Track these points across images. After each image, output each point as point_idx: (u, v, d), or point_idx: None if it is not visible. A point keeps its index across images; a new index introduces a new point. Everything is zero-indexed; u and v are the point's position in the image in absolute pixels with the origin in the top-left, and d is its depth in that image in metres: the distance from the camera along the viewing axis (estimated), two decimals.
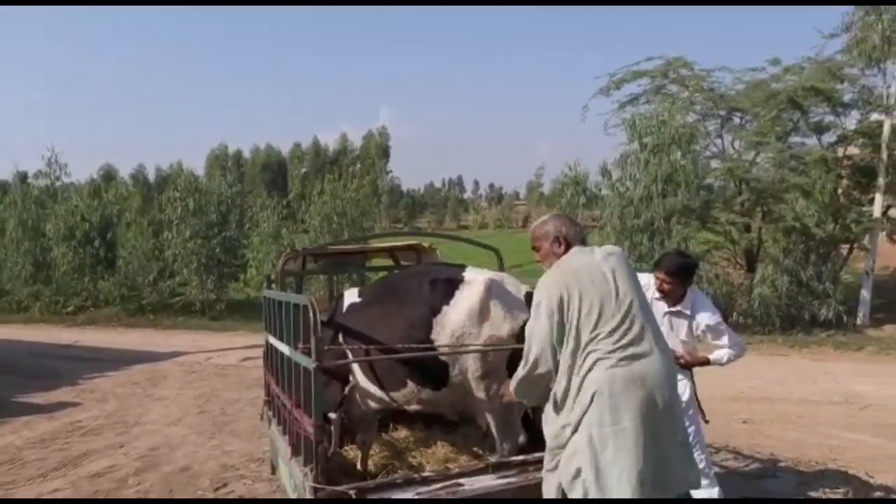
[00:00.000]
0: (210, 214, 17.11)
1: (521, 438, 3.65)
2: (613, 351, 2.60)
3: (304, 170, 56.98)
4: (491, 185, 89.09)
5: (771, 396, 8.12)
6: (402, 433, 4.76)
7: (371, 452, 4.25)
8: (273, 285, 4.30)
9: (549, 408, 2.77)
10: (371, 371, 3.62)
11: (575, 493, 2.62)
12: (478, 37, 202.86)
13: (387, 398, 3.68)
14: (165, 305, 17.53)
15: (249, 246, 16.79)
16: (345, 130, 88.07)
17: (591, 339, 2.64)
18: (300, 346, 3.13)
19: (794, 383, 9.06)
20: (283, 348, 3.58)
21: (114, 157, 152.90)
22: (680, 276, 3.83)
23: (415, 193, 77.84)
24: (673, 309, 3.90)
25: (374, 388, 3.66)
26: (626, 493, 2.48)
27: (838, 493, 4.48)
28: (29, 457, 6.11)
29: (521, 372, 2.82)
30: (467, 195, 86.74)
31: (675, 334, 3.87)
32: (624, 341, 2.62)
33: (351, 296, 3.87)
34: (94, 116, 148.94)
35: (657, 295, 3.93)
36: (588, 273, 2.77)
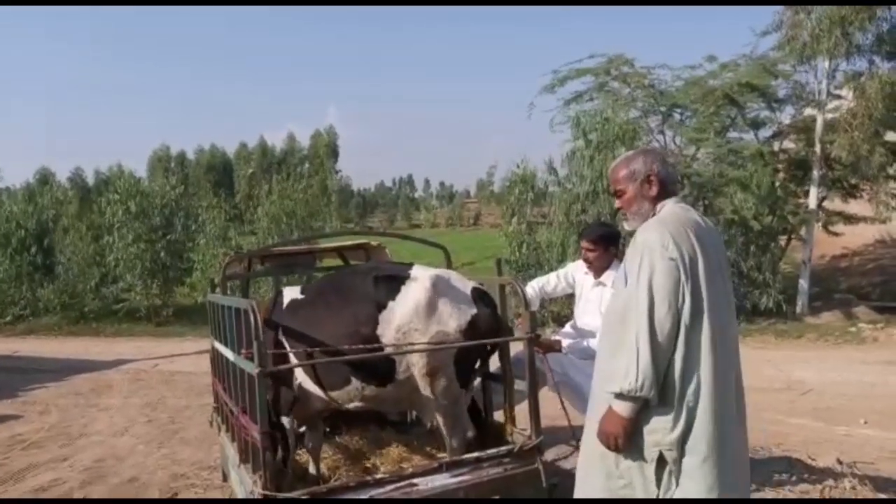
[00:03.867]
0: (154, 217, 16.68)
1: (470, 433, 3.64)
2: (716, 340, 2.27)
3: (250, 170, 55.88)
4: (441, 184, 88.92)
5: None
6: (354, 436, 4.74)
7: (324, 456, 4.22)
8: (217, 289, 4.21)
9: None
10: (312, 370, 3.56)
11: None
12: (426, 33, 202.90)
13: (328, 398, 3.63)
14: (109, 312, 17.02)
15: (195, 249, 16.42)
16: (292, 130, 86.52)
17: (703, 325, 2.25)
18: (244, 351, 3.08)
19: None
20: (228, 354, 3.52)
21: (50, 160, 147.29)
22: (602, 244, 3.92)
23: (365, 193, 77.22)
24: (597, 280, 3.99)
25: (315, 388, 3.60)
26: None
27: (783, 477, 4.52)
28: None
29: (643, 352, 2.19)
30: (418, 194, 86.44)
31: (600, 307, 3.94)
32: (720, 335, 2.29)
33: (291, 293, 3.79)
34: (29, 117, 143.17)
35: (585, 270, 4.02)
36: (708, 237, 2.36)
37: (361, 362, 3.40)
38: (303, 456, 4.28)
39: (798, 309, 14.16)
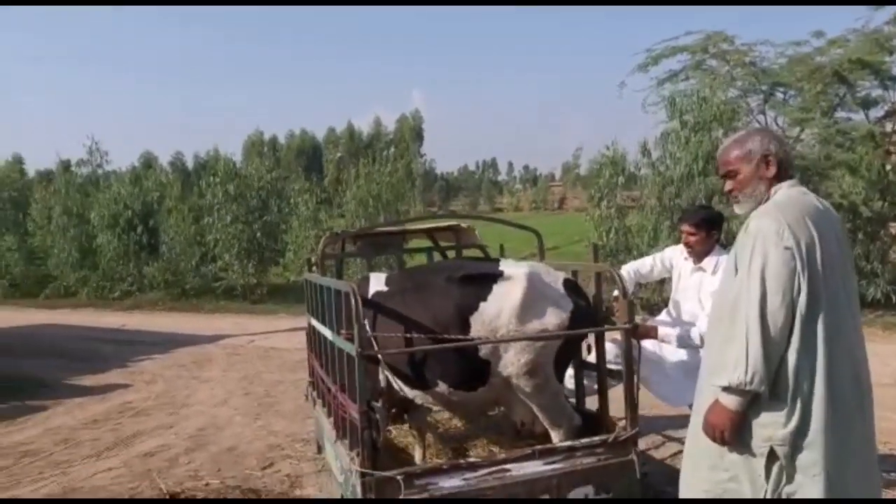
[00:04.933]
0: (250, 199, 17.30)
1: (576, 421, 3.55)
2: (833, 334, 2.18)
3: (338, 154, 57.27)
4: (525, 167, 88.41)
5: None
6: (446, 414, 4.77)
7: (411, 437, 4.28)
8: (314, 268, 4.32)
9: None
10: (400, 368, 3.55)
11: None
12: (508, 16, 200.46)
13: (412, 396, 3.63)
14: (208, 289, 17.84)
15: (288, 231, 16.95)
16: (378, 114, 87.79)
17: (819, 317, 2.16)
18: (343, 332, 3.14)
19: None
20: (326, 332, 3.61)
21: (153, 144, 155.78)
22: (705, 228, 3.78)
23: (449, 176, 77.71)
24: (697, 265, 3.84)
25: (401, 385, 3.60)
26: None
27: (892, 477, 4.31)
28: (83, 437, 6.31)
29: (754, 344, 2.11)
30: (502, 177, 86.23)
31: (699, 294, 3.79)
32: (837, 329, 2.19)
33: (377, 282, 3.74)
34: (134, 104, 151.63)
35: (685, 255, 3.88)
36: (828, 223, 2.26)
37: (453, 365, 3.35)
38: (394, 435, 4.37)
39: None
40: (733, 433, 2.22)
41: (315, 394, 4.58)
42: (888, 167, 13.39)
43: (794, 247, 2.14)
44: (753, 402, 2.19)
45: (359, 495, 2.94)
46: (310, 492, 4.63)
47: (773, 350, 2.13)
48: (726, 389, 2.18)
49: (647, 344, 3.90)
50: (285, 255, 17.14)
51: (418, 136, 61.72)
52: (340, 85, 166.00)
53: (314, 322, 4.12)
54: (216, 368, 9.45)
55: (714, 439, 2.27)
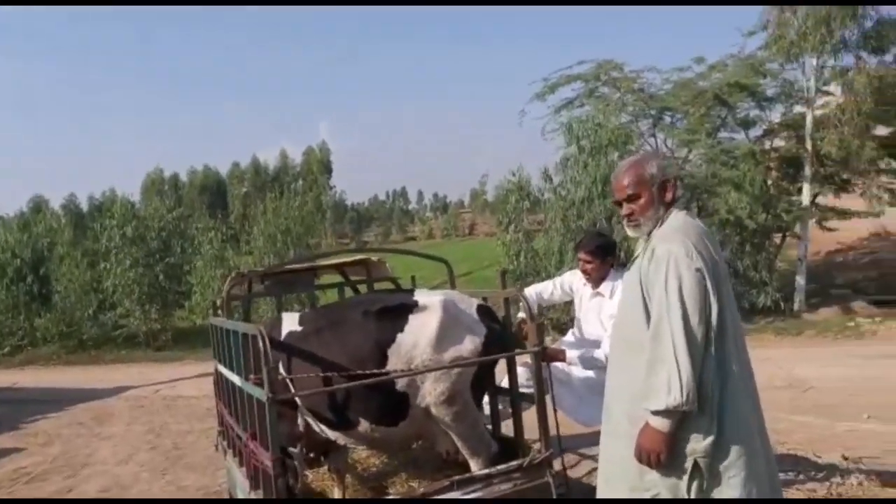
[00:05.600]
0: (150, 241, 16.61)
1: (494, 448, 3.57)
2: (738, 343, 2.33)
3: (244, 189, 55.92)
4: (435, 195, 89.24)
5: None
6: (363, 453, 4.70)
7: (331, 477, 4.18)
8: (219, 311, 4.17)
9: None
10: (317, 410, 3.47)
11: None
12: (413, 47, 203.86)
13: (334, 438, 3.56)
14: (107, 339, 16.93)
15: (192, 271, 16.37)
16: (284, 147, 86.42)
17: (726, 330, 2.28)
18: (252, 376, 3.05)
19: None
20: (235, 379, 3.49)
21: (43, 187, 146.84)
22: (600, 255, 3.94)
23: (359, 207, 77.37)
24: (595, 290, 3.99)
25: (322, 428, 3.54)
26: None
27: (789, 476, 4.53)
28: None
29: (684, 364, 2.18)
30: (412, 206, 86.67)
31: (599, 317, 3.93)
32: (740, 337, 2.36)
33: (290, 322, 3.67)
34: (22, 145, 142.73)
35: (583, 280, 4.03)
36: (715, 243, 2.39)
37: (372, 401, 3.32)
38: (311, 479, 4.26)
39: (796, 306, 14.19)
40: (668, 455, 2.27)
41: (225, 443, 4.41)
42: (769, 182, 14.45)
43: (703, 267, 2.24)
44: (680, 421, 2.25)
45: None
46: None
47: (698, 367, 2.21)
48: (659, 413, 2.22)
49: (557, 365, 4.00)
50: (191, 298, 16.51)
51: (326, 168, 61.05)
52: (244, 119, 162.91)
53: (221, 368, 3.98)
54: (119, 423, 8.92)
55: (648, 463, 2.31)
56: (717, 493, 2.29)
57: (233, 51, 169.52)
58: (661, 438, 2.26)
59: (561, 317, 12.04)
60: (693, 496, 2.29)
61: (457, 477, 3.23)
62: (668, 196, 2.44)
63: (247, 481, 3.45)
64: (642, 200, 2.43)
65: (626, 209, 2.50)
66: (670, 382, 2.19)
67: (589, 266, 3.96)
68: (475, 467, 3.47)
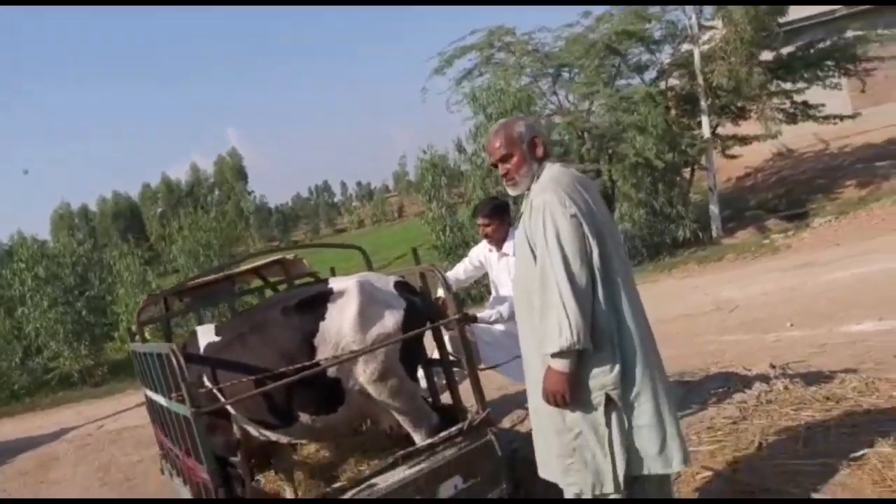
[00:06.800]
0: (66, 278, 15.92)
1: (434, 420, 3.63)
2: (626, 278, 2.45)
3: (159, 209, 53.98)
4: (359, 183, 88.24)
5: (650, 322, 8.65)
6: (312, 448, 4.71)
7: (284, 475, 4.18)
8: (136, 337, 4.09)
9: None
10: (251, 413, 3.45)
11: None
12: (309, 40, 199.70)
13: (276, 439, 3.56)
14: (41, 384, 16.14)
15: (116, 301, 15.80)
16: (195, 160, 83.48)
17: (612, 269, 2.39)
18: (173, 395, 3.02)
19: (668, 304, 9.70)
20: (160, 399, 3.45)
21: None
22: (497, 216, 4.06)
23: (284, 208, 75.89)
24: (501, 252, 4.12)
25: (260, 431, 3.53)
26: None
27: (720, 392, 4.67)
28: None
29: (570, 307, 2.28)
30: (338, 198, 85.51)
31: (510, 278, 4.02)
32: (627, 273, 2.47)
33: (206, 334, 3.65)
34: None
35: (489, 247, 4.14)
36: (593, 189, 2.49)
37: (306, 393, 3.33)
38: (264, 483, 4.25)
39: (714, 234, 14.81)
40: (572, 393, 2.39)
41: (168, 465, 4.35)
42: (670, 121, 14.97)
43: (578, 213, 2.35)
44: (580, 360, 2.36)
45: None
46: None
47: (586, 307, 2.31)
48: (557, 355, 2.33)
49: (484, 330, 4.11)
50: (119, 328, 15.94)
51: (241, 174, 59.49)
52: (148, 139, 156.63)
53: (148, 392, 3.91)
54: (65, 466, 8.59)
55: (556, 404, 2.43)
56: (634, 420, 2.43)
57: (126, 72, 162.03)
58: (562, 379, 2.37)
59: (478, 289, 12.19)
60: (612, 428, 2.42)
61: (400, 452, 3.28)
62: (539, 152, 2.54)
63: (192, 497, 3.43)
64: (515, 159, 2.54)
65: (501, 170, 2.61)
66: (560, 325, 2.29)
67: (488, 229, 4.08)
68: (418, 439, 3.53)
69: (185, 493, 3.70)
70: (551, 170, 2.53)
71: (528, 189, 2.56)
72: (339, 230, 62.36)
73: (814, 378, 4.59)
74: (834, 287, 8.54)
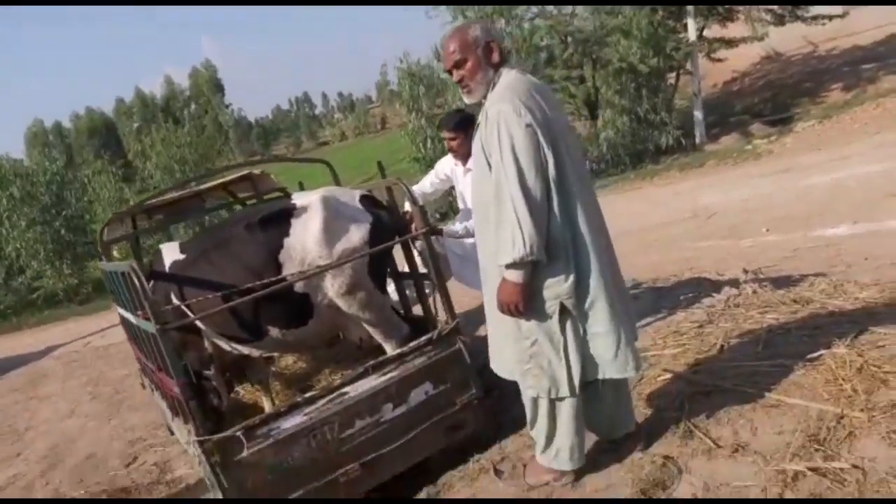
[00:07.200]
0: (41, 197, 15.71)
1: (405, 329, 3.67)
2: (583, 188, 2.43)
3: (135, 125, 52.64)
4: (340, 94, 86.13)
5: (629, 230, 8.52)
6: (289, 359, 4.79)
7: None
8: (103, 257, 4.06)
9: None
10: (221, 329, 3.47)
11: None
12: None
13: (248, 353, 3.60)
14: (27, 304, 16.27)
15: (94, 219, 15.68)
16: (168, 73, 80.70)
17: (568, 180, 2.37)
18: (139, 313, 3.03)
19: (650, 211, 9.76)
20: (130, 317, 3.46)
21: None
22: (461, 129, 3.98)
23: (264, 121, 74.29)
24: (467, 167, 4.08)
25: (231, 346, 3.57)
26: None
27: (689, 296, 4.74)
28: None
29: (524, 218, 2.26)
30: (319, 110, 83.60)
31: None
32: (584, 184, 2.45)
33: (171, 252, 3.61)
34: None
35: (455, 161, 4.08)
36: (551, 96, 2.45)
37: (275, 308, 3.34)
38: (243, 395, 4.34)
39: (697, 140, 14.74)
40: (526, 303, 2.42)
41: (147, 380, 4.43)
42: (655, 24, 14.56)
43: (534, 122, 2.28)
44: (535, 270, 2.36)
45: (205, 462, 2.93)
46: (181, 473, 4.53)
47: (540, 219, 2.29)
48: (511, 266, 2.33)
49: (455, 243, 4.11)
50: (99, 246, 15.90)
51: (217, 87, 57.63)
52: (120, 51, 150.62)
53: (119, 310, 3.92)
54: (55, 382, 8.75)
55: (510, 314, 2.46)
56: (590, 328, 2.48)
57: None
58: (516, 290, 2.39)
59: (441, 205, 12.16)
60: (567, 335, 2.47)
61: (371, 361, 3.34)
62: (495, 57, 2.45)
63: (169, 410, 3.51)
64: (469, 64, 2.45)
65: (456, 76, 2.51)
66: (514, 237, 2.28)
67: (454, 143, 4.01)
68: (389, 350, 3.59)
69: (162, 404, 3.77)
70: (508, 76, 2.44)
71: (485, 97, 2.49)
72: (321, 143, 61.43)
73: (783, 282, 4.64)
74: (812, 192, 8.60)
